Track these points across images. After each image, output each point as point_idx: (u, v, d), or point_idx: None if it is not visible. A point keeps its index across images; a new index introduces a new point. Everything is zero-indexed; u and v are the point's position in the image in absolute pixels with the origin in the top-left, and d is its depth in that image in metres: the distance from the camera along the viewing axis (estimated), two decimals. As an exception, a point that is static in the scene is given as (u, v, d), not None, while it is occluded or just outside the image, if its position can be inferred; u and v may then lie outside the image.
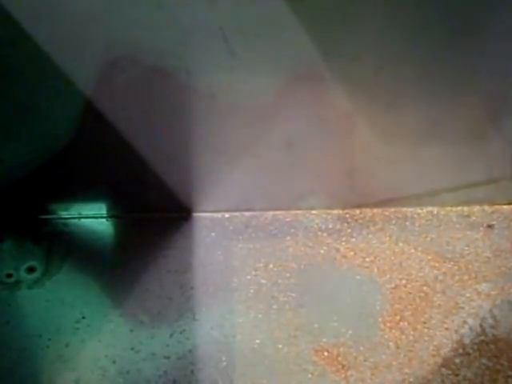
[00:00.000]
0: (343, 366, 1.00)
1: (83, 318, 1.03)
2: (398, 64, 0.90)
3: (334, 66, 0.88)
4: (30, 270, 1.08)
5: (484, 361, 1.01)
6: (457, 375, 0.99)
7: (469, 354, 1.01)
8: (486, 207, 1.17)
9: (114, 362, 1.00)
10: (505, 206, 1.16)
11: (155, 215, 1.14)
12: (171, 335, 1.02)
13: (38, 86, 0.85)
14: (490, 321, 1.05)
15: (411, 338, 1.03)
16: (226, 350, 1.01)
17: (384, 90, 0.95)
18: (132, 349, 1.01)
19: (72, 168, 1.03)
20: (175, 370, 0.99)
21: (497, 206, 1.17)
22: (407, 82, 0.95)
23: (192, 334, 1.03)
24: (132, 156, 1.00)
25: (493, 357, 1.01)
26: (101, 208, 1.14)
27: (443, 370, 1.00)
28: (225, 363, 1.00)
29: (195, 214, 1.14)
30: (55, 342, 1.01)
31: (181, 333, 1.03)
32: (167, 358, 1.00)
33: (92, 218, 1.15)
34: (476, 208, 1.17)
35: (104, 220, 1.15)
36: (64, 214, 1.14)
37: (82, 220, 1.15)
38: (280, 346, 1.02)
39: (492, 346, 1.02)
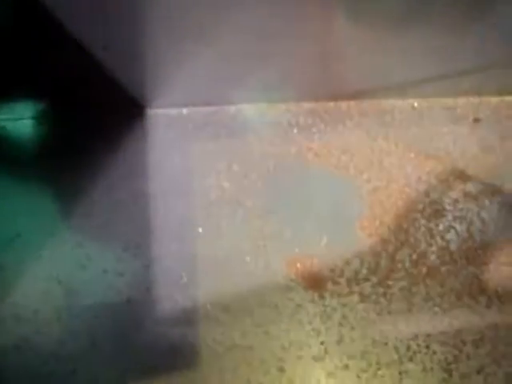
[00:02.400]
0: (318, 279, 0.78)
1: (19, 235, 0.78)
2: None
3: None
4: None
5: (472, 269, 0.81)
6: (442, 286, 0.79)
7: (455, 261, 0.81)
8: (473, 99, 0.93)
9: (59, 282, 0.78)
10: (493, 98, 0.93)
11: (103, 114, 0.87)
12: (124, 249, 0.79)
13: None
14: (478, 224, 0.83)
15: (392, 245, 0.81)
16: (186, 265, 0.79)
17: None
18: (80, 266, 0.78)
19: (7, 64, 0.75)
20: (129, 288, 0.77)
21: (484, 98, 0.93)
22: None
23: (147, 248, 0.80)
24: (72, 46, 0.72)
25: (482, 264, 0.80)
26: (42, 108, 0.87)
27: (428, 280, 0.79)
28: (185, 279, 0.78)
29: (149, 111, 0.88)
30: (-12, 262, 0.77)
31: (135, 246, 0.80)
32: (120, 275, 0.78)
33: (33, 119, 0.88)
34: (462, 100, 0.93)
35: (45, 121, 0.88)
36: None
37: (22, 121, 0.88)
38: (247, 259, 0.80)
39: (480, 252, 0.81)
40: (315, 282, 0.80)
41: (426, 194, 0.86)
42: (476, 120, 0.93)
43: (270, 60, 0.85)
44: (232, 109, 0.92)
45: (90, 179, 0.85)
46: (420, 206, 0.85)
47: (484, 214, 0.85)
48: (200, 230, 0.82)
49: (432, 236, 0.83)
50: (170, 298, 0.78)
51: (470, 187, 0.87)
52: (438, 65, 0.91)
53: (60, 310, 0.77)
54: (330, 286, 0.80)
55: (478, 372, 0.76)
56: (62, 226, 0.82)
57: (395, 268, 0.81)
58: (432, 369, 0.76)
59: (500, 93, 0.97)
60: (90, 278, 0.79)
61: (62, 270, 0.79)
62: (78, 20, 0.76)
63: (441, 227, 0.84)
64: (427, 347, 0.77)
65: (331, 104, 0.92)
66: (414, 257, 0.82)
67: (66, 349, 0.76)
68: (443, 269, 0.81)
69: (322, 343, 0.77)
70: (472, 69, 0.92)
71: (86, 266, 0.80)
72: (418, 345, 0.77)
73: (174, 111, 0.91)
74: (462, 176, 0.88)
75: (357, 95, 0.94)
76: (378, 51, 0.85)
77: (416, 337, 0.77)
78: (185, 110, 0.91)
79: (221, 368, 0.75)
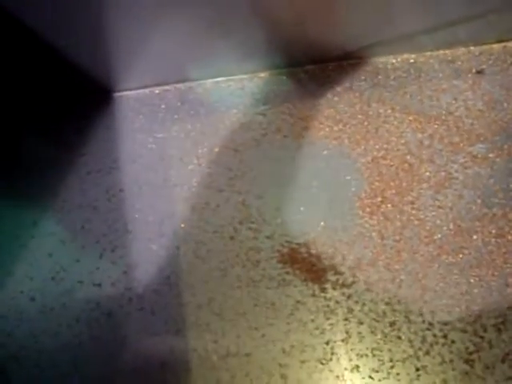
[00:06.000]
0: (318, 268, 0.58)
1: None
2: None
3: None
4: None
5: (488, 241, 0.59)
6: (457, 263, 0.59)
7: (469, 235, 0.59)
8: (473, 48, 0.70)
9: (32, 299, 0.58)
10: (495, 45, 0.70)
11: (65, 105, 0.65)
12: (101, 255, 0.59)
13: None
14: (492, 190, 0.61)
15: (398, 223, 0.60)
16: (170, 265, 0.58)
17: None
18: (53, 279, 0.59)
19: None
20: (109, 299, 0.57)
21: (485, 46, 0.70)
22: None
23: (126, 251, 0.59)
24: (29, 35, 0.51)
25: (498, 236, 0.59)
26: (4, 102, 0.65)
27: (441, 258, 0.58)
28: (171, 282, 0.57)
29: (116, 94, 0.66)
30: None
31: (112, 250, 0.59)
32: (98, 285, 0.58)
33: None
34: (461, 50, 0.70)
35: (5, 116, 0.67)
36: None
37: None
38: (234, 253, 0.59)
39: (496, 223, 0.60)
40: (314, 273, 0.60)
41: (431, 160, 0.65)
42: (479, 72, 0.70)
43: (244, 28, 0.63)
44: (209, 83, 0.69)
45: (57, 179, 0.64)
46: (425, 176, 0.64)
47: (498, 178, 0.63)
48: (182, 225, 0.62)
49: (441, 207, 0.62)
50: (156, 305, 0.58)
51: (479, 148, 0.65)
52: (430, 14, 0.68)
53: (36, 331, 0.57)
54: (331, 276, 0.59)
55: (503, 360, 0.57)
56: (31, 233, 0.61)
57: (403, 249, 0.60)
58: (452, 361, 0.57)
59: (502, 39, 0.73)
60: (65, 292, 0.59)
61: (34, 286, 0.59)
62: (33, 8, 0.54)
63: (450, 198, 0.63)
64: (445, 337, 0.57)
65: (316, 68, 0.70)
66: (423, 233, 0.61)
67: (45, 375, 0.56)
68: (455, 245, 0.60)
69: (327, 343, 0.57)
70: (469, 16, 0.69)
71: (60, 279, 0.59)
72: (435, 335, 0.57)
73: (144, 92, 0.69)
74: (468, 137, 0.66)
75: (344, 56, 0.71)
76: (362, 2, 0.63)
77: (431, 326, 0.58)
78: (156, 90, 0.69)
79: (216, 380, 0.56)
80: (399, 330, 0.58)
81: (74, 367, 0.57)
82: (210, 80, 0.70)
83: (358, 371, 0.57)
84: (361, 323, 0.58)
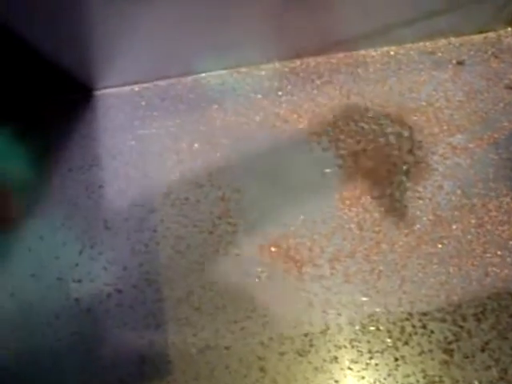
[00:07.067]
0: (296, 261, 0.59)
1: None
2: None
3: None
4: None
5: (467, 232, 0.59)
6: (436, 254, 0.58)
7: (449, 225, 0.59)
8: (453, 39, 0.70)
9: (11, 294, 0.59)
10: (475, 36, 0.70)
11: (47, 102, 0.66)
12: (80, 252, 0.59)
13: None
14: (472, 181, 0.61)
15: (376, 215, 0.60)
16: (149, 261, 0.58)
17: None
18: (33, 275, 0.59)
19: None
20: (88, 295, 0.58)
21: (465, 37, 0.70)
22: None
23: (105, 247, 0.60)
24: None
25: (477, 226, 0.59)
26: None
27: (419, 249, 0.58)
28: (151, 277, 0.57)
29: (97, 93, 0.66)
30: None
31: (92, 247, 0.59)
32: (78, 281, 0.59)
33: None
34: (441, 42, 0.70)
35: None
36: None
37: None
38: (214, 247, 0.59)
39: (475, 213, 0.60)
40: (293, 267, 0.60)
41: (410, 152, 0.65)
42: (459, 63, 0.70)
43: (222, 23, 0.63)
44: (189, 80, 0.70)
45: (41, 175, 0.65)
46: (404, 168, 0.64)
47: (477, 169, 0.63)
48: (162, 220, 0.62)
49: (421, 198, 0.62)
50: (135, 302, 0.59)
51: (458, 139, 0.65)
52: (410, 6, 0.68)
53: (15, 327, 0.58)
54: (309, 268, 0.59)
55: (483, 349, 0.57)
56: (12, 231, 0.62)
57: (382, 240, 0.60)
58: (431, 351, 0.57)
59: (482, 30, 0.73)
60: (44, 288, 0.59)
61: (13, 281, 0.60)
62: (13, 7, 0.55)
63: (429, 189, 0.63)
64: (424, 327, 0.57)
65: (297, 62, 0.70)
66: (402, 225, 0.61)
67: (26, 369, 0.57)
68: (435, 235, 0.60)
69: (305, 335, 0.57)
70: (449, 6, 0.69)
71: (39, 275, 0.60)
72: (413, 325, 0.57)
73: (124, 89, 0.69)
74: (448, 128, 0.66)
75: (324, 49, 0.72)
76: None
77: (410, 317, 0.58)
78: (136, 87, 0.69)
79: (196, 373, 0.56)
80: (378, 321, 0.58)
81: (54, 363, 0.57)
82: (190, 76, 0.70)
83: (336, 362, 0.57)
84: (339, 315, 0.58)
